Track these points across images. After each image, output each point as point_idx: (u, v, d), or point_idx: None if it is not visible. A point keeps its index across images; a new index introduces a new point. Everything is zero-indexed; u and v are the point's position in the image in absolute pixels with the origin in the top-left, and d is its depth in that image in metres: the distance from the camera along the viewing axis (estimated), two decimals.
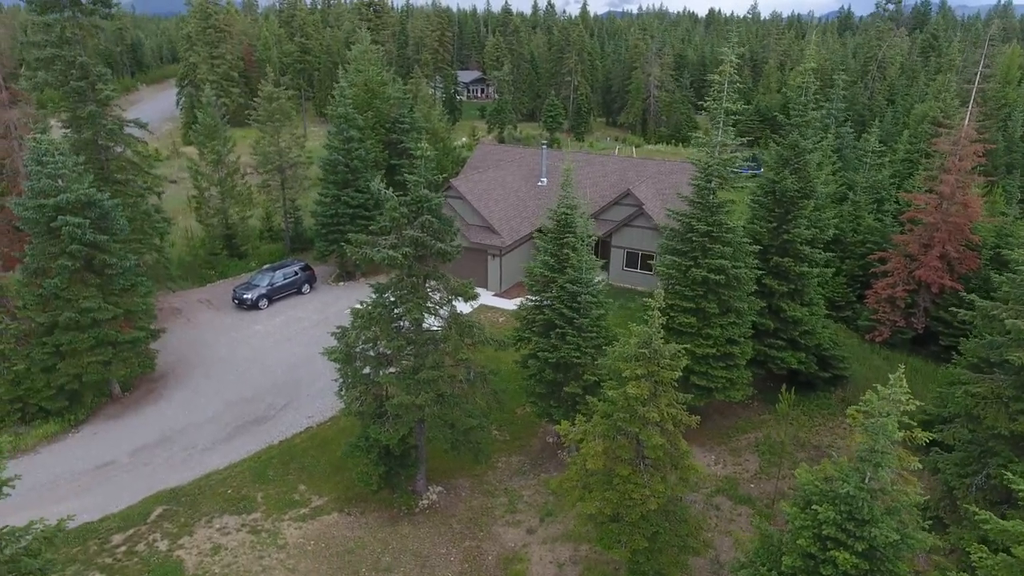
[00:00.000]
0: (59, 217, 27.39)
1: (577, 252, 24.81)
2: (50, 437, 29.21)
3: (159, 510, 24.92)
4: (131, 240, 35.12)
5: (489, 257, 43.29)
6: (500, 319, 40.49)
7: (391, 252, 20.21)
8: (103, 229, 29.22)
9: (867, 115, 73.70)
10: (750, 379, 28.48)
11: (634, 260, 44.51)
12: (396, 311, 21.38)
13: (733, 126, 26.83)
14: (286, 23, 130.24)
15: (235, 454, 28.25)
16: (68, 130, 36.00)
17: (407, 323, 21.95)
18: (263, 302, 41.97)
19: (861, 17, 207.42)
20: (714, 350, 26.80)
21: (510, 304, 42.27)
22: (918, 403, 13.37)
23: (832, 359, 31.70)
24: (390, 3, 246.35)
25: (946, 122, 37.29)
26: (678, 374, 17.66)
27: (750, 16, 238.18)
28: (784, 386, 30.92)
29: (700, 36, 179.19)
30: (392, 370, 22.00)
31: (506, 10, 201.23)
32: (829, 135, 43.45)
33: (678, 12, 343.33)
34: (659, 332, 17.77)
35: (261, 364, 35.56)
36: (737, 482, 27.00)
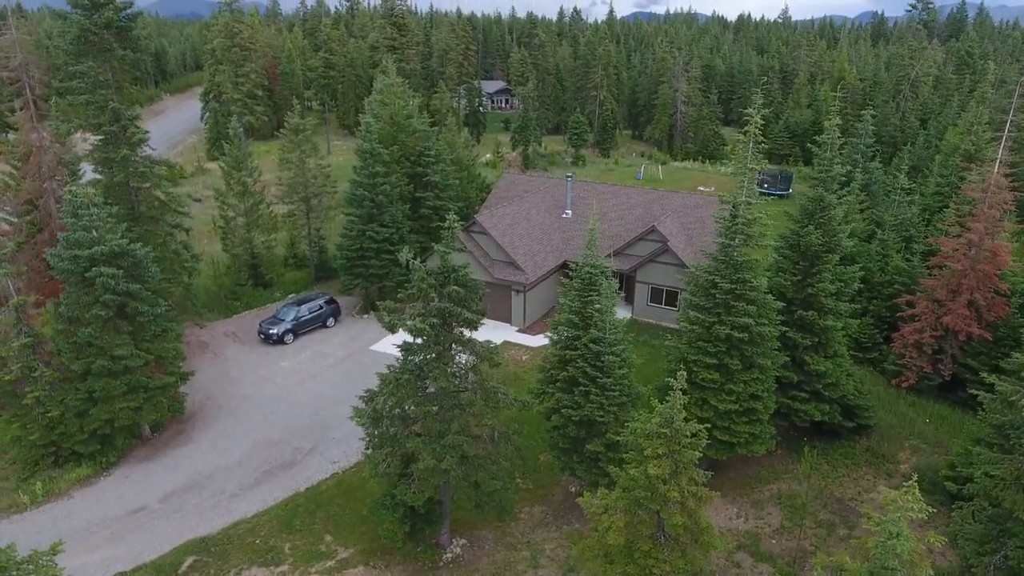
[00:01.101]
0: (93, 268, 28.69)
1: (601, 312, 25.50)
2: (82, 481, 30.49)
3: (189, 560, 26.01)
4: (160, 279, 36.57)
5: (513, 293, 44.09)
6: (524, 356, 41.26)
7: (419, 324, 21.08)
8: (136, 277, 30.46)
9: (899, 137, 73.50)
10: (773, 432, 28.95)
11: (659, 296, 45.05)
12: (423, 377, 22.22)
13: (765, 156, 27.11)
14: (310, 34, 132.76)
15: (262, 501, 29.29)
16: (99, 171, 37.35)
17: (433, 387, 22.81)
18: (289, 336, 43.14)
19: (895, 22, 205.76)
20: (736, 406, 27.32)
21: (534, 341, 43.11)
22: (931, 509, 13.90)
23: (857, 409, 32.04)
24: (414, 5, 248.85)
25: (974, 167, 37.45)
26: (699, 454, 18.32)
27: (780, 20, 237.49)
28: (806, 441, 31.48)
29: (729, 44, 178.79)
30: (418, 433, 22.83)
31: (531, 19, 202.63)
32: (857, 172, 43.73)
33: (708, 16, 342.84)
34: (681, 412, 18.44)
35: (287, 403, 36.64)
36: (759, 537, 27.48)
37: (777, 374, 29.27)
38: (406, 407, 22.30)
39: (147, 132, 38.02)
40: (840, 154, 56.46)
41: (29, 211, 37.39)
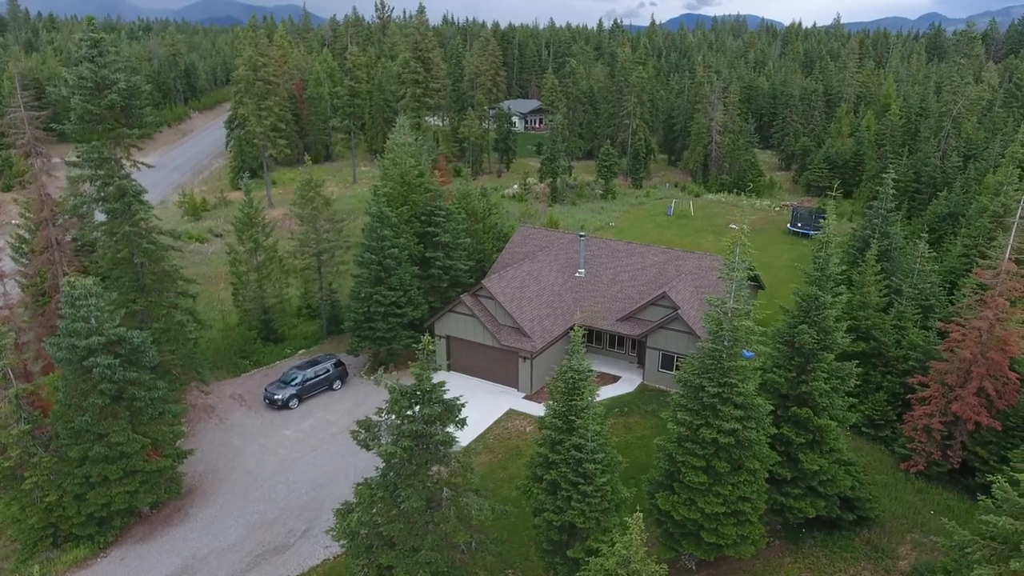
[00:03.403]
0: (90, 358, 30.56)
1: (583, 419, 26.37)
2: (79, 563, 32.30)
3: None
4: (163, 349, 38.56)
5: (520, 359, 45.11)
6: (528, 428, 42.17)
7: (391, 448, 22.27)
8: (134, 362, 32.31)
9: (938, 178, 72.71)
10: (764, 532, 29.42)
11: (669, 362, 45.61)
12: (397, 493, 23.40)
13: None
14: (339, 55, 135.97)
15: None
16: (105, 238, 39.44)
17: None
18: (294, 402, 44.79)
19: (953, 32, 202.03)
20: (724, 508, 27.88)
21: (540, 409, 43.94)
22: None
23: (857, 501, 32.31)
24: (451, 15, 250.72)
25: (999, 234, 37.38)
26: None
27: (832, 29, 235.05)
28: (803, 532, 31.84)
29: (774, 60, 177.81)
30: (394, 543, 23.96)
31: (570, 31, 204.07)
32: (873, 241, 43.84)
33: (759, 20, 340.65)
34: (640, 550, 19.28)
35: (286, 479, 38.16)
36: None
37: (770, 470, 29.83)
38: (379, 524, 23.44)
39: (151, 207, 39.81)
40: (865, 212, 56.53)
41: (38, 283, 39.79)
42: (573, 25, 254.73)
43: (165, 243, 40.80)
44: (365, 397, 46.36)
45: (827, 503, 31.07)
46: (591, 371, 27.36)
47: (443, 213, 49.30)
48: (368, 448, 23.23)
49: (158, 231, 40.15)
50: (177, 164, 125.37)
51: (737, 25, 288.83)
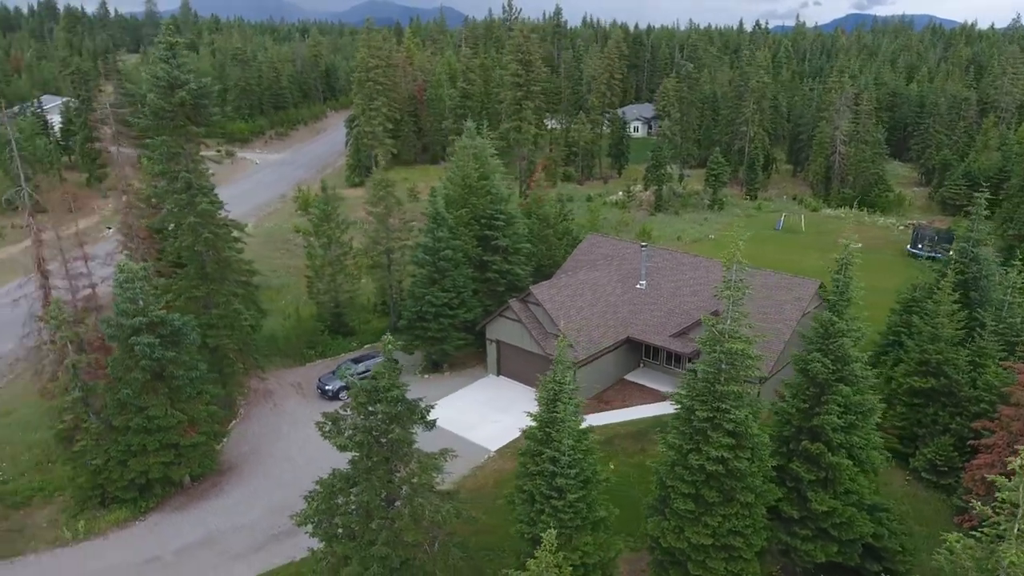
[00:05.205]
0: (133, 336, 33.91)
1: (559, 432, 26.58)
2: (120, 523, 35.86)
3: None
4: (220, 334, 41.87)
5: None
6: None
7: (344, 442, 23.56)
8: (174, 343, 35.51)
9: None
10: (758, 572, 28.36)
11: None
12: (355, 486, 24.65)
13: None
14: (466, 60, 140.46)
15: (259, 565, 32.96)
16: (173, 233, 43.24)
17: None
18: (343, 393, 47.15)
19: None
20: (712, 540, 27.18)
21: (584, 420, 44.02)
22: None
23: (884, 551, 30.38)
24: (589, 17, 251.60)
25: None
26: None
27: (1010, 30, 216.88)
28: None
29: (931, 65, 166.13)
30: (352, 536, 25.25)
31: (707, 33, 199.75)
32: (950, 269, 40.71)
33: (928, 20, 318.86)
34: (550, 570, 19.48)
35: (318, 468, 40.00)
36: None
37: (776, 507, 28.76)
38: (335, 514, 24.77)
39: (222, 203, 43.07)
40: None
41: None
42: (721, 27, 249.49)
43: (228, 236, 44.08)
44: (414, 394, 47.83)
45: (841, 548, 29.41)
46: (575, 386, 27.52)
47: (503, 217, 50.30)
48: (331, 440, 24.57)
49: (222, 222, 43.50)
50: (304, 161, 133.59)
51: (900, 26, 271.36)
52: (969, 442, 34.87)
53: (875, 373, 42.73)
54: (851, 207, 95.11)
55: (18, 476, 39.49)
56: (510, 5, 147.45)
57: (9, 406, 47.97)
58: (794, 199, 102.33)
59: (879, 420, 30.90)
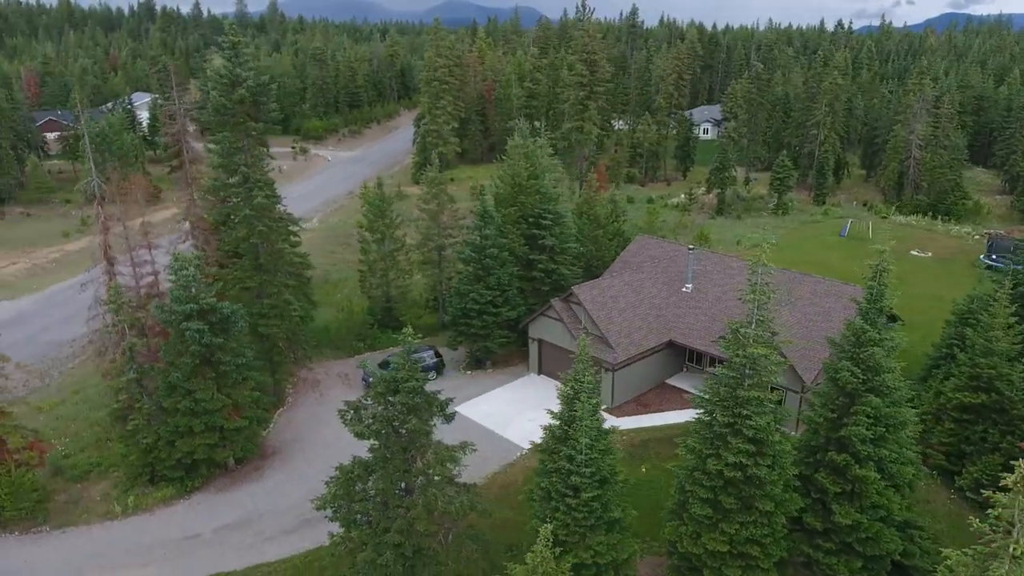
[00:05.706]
0: (184, 322, 35.66)
1: (576, 431, 26.83)
2: (166, 501, 37.79)
3: None
4: (270, 324, 43.50)
5: (603, 370, 45.41)
6: None
7: (363, 429, 24.38)
8: (223, 330, 37.16)
9: None
10: None
11: None
12: (371, 477, 25.47)
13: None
14: (537, 61, 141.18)
15: (290, 548, 34.27)
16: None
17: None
18: None
19: None
20: (728, 548, 27.01)
21: (621, 423, 44.04)
22: None
23: (914, 570, 29.56)
24: (666, 16, 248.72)
25: None
26: None
27: None
28: None
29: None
30: (368, 522, 26.08)
31: (786, 33, 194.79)
32: (1006, 280, 38.98)
33: None
34: (547, 563, 19.83)
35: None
36: None
37: (799, 517, 28.37)
38: (353, 501, 25.63)
39: (279, 197, 44.71)
40: None
41: None
42: (803, 27, 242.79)
43: (283, 229, 45.70)
44: (456, 389, 48.61)
45: (867, 564, 28.73)
46: (595, 385, 27.70)
47: (551, 216, 50.60)
48: (351, 428, 25.44)
49: (278, 216, 45.15)
50: (375, 158, 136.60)
51: (996, 26, 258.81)
52: (1011, 462, 33.38)
53: (924, 387, 41.80)
54: (923, 215, 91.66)
55: (79, 451, 41.95)
56: (583, 5, 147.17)
57: (80, 384, 50.95)
58: (864, 205, 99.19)
59: (921, 434, 30.05)
